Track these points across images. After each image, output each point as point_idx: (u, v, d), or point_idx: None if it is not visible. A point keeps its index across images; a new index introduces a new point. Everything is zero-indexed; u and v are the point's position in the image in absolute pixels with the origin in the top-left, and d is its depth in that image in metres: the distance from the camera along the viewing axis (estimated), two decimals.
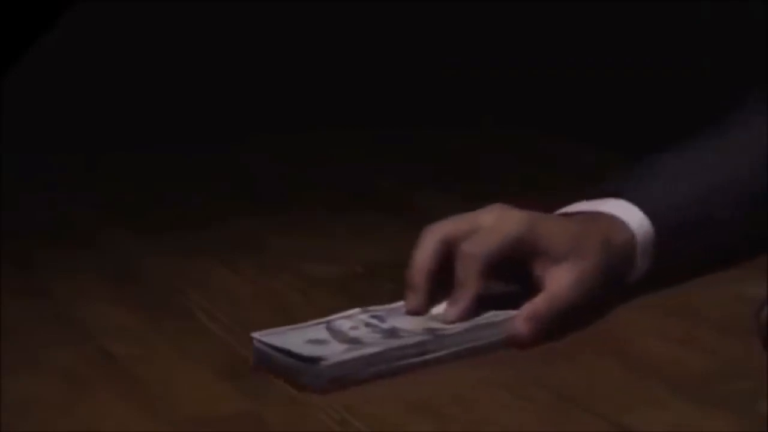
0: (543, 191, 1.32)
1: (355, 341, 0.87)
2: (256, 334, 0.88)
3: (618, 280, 0.97)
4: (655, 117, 1.67)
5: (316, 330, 0.89)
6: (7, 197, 1.40)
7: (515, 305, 0.91)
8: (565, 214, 0.98)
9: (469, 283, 0.90)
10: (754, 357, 0.82)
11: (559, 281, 0.91)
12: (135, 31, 1.98)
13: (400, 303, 0.92)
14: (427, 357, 0.87)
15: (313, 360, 0.83)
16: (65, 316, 1.02)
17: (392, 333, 0.88)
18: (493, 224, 0.91)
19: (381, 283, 0.94)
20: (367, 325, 0.90)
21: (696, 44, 1.83)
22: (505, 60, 1.98)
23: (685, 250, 1.00)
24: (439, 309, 0.91)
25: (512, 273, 0.93)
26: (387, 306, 0.92)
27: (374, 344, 0.86)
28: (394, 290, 0.94)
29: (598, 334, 0.93)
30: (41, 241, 1.26)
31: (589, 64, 1.90)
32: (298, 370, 0.84)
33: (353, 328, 0.89)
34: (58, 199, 1.44)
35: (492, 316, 0.90)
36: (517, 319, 0.90)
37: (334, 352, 0.84)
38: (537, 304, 0.90)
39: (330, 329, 0.89)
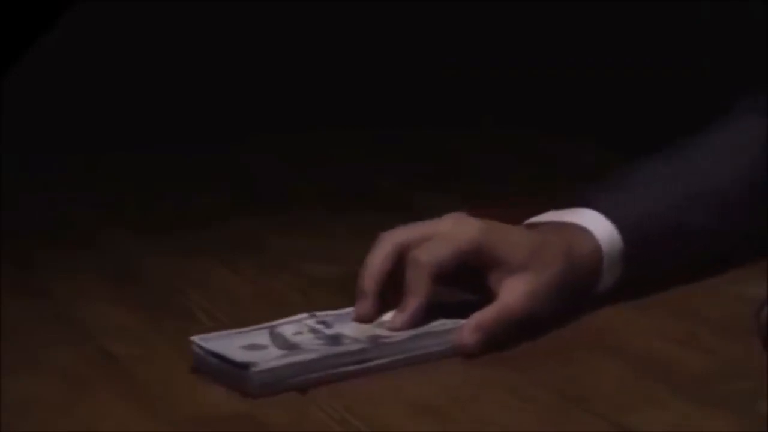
0: (543, 191, 1.32)
1: (293, 347, 0.86)
2: (194, 338, 0.87)
3: (583, 290, 0.95)
4: (655, 117, 1.67)
5: (258, 335, 0.88)
6: (7, 197, 1.40)
7: (471, 314, 0.89)
8: (531, 225, 0.97)
9: (417, 290, 0.88)
10: (754, 357, 0.82)
11: (512, 292, 0.90)
12: (135, 31, 1.98)
13: (351, 308, 0.91)
14: (368, 365, 0.85)
15: (244, 365, 0.82)
16: (65, 316, 1.02)
17: (334, 340, 0.87)
18: (448, 232, 0.90)
19: None
20: (312, 330, 0.88)
21: (696, 44, 1.83)
22: (505, 60, 1.98)
23: (661, 259, 0.99)
24: (389, 316, 0.89)
25: (471, 282, 0.92)
26: (336, 311, 0.91)
27: (312, 351, 0.85)
28: None
29: (599, 334, 0.93)
30: (41, 241, 1.26)
31: (589, 64, 1.90)
32: (230, 375, 0.83)
33: (297, 333, 0.88)
34: (58, 199, 1.44)
35: (440, 324, 0.89)
36: (464, 329, 0.88)
37: (267, 358, 0.84)
38: (485, 314, 0.89)
39: (272, 334, 0.88)
